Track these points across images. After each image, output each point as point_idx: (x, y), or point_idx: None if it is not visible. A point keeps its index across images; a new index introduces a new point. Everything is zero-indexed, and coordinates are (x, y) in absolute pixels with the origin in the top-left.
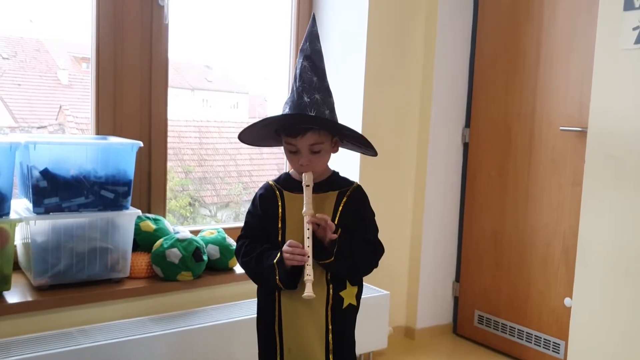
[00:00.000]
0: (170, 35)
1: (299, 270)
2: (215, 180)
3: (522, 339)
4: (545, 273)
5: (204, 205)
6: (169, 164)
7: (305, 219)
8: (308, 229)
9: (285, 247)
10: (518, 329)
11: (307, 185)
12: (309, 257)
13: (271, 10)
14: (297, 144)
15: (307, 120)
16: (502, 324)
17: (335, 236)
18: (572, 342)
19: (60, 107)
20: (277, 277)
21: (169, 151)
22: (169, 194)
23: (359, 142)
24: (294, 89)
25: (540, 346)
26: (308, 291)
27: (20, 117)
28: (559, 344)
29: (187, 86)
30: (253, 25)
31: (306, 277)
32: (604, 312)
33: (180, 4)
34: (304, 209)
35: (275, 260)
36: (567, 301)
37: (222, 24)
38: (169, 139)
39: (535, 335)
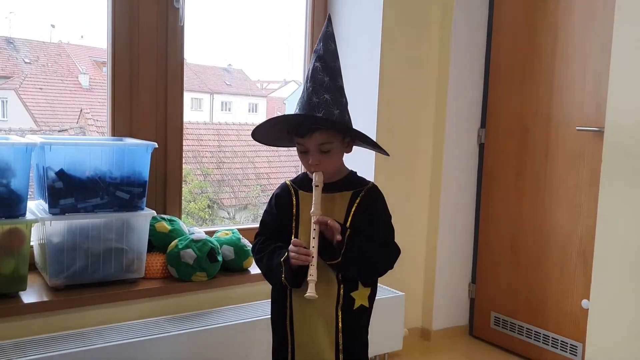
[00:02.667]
0: (189, 39)
1: (305, 269)
2: (233, 182)
3: (539, 341)
4: (562, 274)
5: (223, 207)
6: (187, 166)
7: (313, 219)
8: (314, 229)
9: (290, 246)
10: (535, 331)
11: (317, 186)
12: (312, 257)
13: (289, 13)
14: (305, 143)
15: (312, 121)
16: (518, 325)
17: (340, 237)
18: (590, 344)
19: (81, 110)
20: (282, 275)
21: (188, 154)
22: (188, 197)
23: (367, 143)
24: (305, 89)
25: (557, 348)
26: (310, 291)
27: (41, 121)
28: (576, 346)
29: (206, 90)
30: (271, 28)
31: (309, 277)
32: (621, 314)
33: (198, 9)
34: (312, 208)
35: (282, 259)
36: (584, 303)
37: (241, 28)
38: (188, 142)
39: (552, 337)
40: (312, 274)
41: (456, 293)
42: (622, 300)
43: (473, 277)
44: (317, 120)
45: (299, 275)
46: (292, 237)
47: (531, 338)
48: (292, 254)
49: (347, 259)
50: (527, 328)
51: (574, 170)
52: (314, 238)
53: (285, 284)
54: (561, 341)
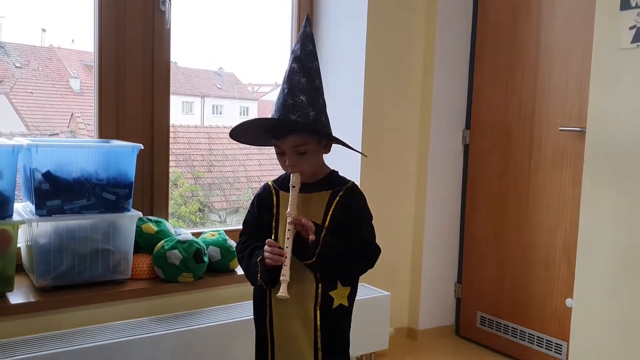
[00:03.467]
0: (180, 43)
1: (281, 269)
2: (224, 185)
3: (524, 340)
4: (546, 273)
5: (214, 210)
6: (178, 170)
7: (288, 219)
8: (289, 230)
9: (265, 247)
10: (520, 330)
11: (293, 186)
12: (286, 257)
13: (279, 16)
14: (281, 145)
15: (284, 124)
16: (504, 325)
17: (313, 237)
18: (574, 343)
19: (72, 114)
20: (258, 275)
21: (179, 157)
22: (178, 200)
23: (341, 144)
24: (281, 91)
25: (542, 347)
26: (282, 291)
27: (32, 125)
28: (560, 345)
29: (197, 93)
30: (262, 32)
31: (282, 278)
32: (605, 312)
33: (189, 12)
34: (288, 209)
35: (259, 259)
36: (568, 302)
37: (232, 31)
38: (179, 146)
39: (537, 337)
40: (285, 274)
41: (442, 293)
42: (606, 298)
43: (459, 277)
44: (287, 122)
45: (274, 275)
46: (272, 237)
47: (517, 337)
48: (266, 254)
49: (322, 259)
50: (512, 327)
51: (557, 170)
52: (288, 238)
53: (261, 283)
54: (546, 340)
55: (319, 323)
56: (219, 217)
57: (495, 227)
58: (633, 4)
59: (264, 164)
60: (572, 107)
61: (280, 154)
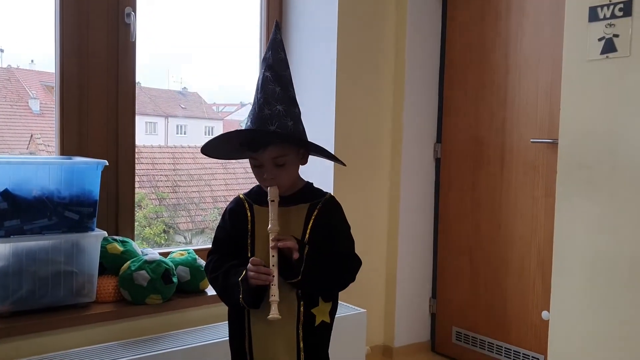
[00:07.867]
0: (144, 62)
1: (264, 289)
2: (190, 206)
3: (501, 355)
4: (521, 286)
5: (179, 232)
6: (142, 191)
7: (270, 237)
8: (273, 247)
9: (249, 266)
10: (497, 345)
11: (272, 200)
12: (273, 276)
13: (242, 34)
14: (259, 157)
15: (265, 135)
16: (480, 340)
17: (297, 255)
18: (552, 356)
19: (32, 135)
20: (240, 296)
21: (143, 178)
22: (142, 222)
23: (322, 154)
24: (255, 100)
25: None
26: (273, 313)
27: None
28: (538, 359)
29: (161, 113)
30: (225, 49)
31: (271, 298)
32: (582, 324)
33: (151, 32)
34: (269, 225)
35: (240, 278)
36: (544, 314)
37: (196, 50)
38: (142, 166)
39: (514, 351)
40: (274, 294)
41: (417, 309)
42: (582, 310)
43: (433, 292)
44: (271, 134)
45: (257, 295)
46: (248, 254)
47: (493, 352)
48: (251, 273)
49: (307, 276)
50: (488, 342)
51: (530, 181)
52: (273, 256)
53: (243, 304)
54: (523, 354)
55: (301, 343)
56: (185, 238)
57: (469, 240)
58: (601, 16)
59: (230, 184)
60: (543, 119)
61: (258, 167)
